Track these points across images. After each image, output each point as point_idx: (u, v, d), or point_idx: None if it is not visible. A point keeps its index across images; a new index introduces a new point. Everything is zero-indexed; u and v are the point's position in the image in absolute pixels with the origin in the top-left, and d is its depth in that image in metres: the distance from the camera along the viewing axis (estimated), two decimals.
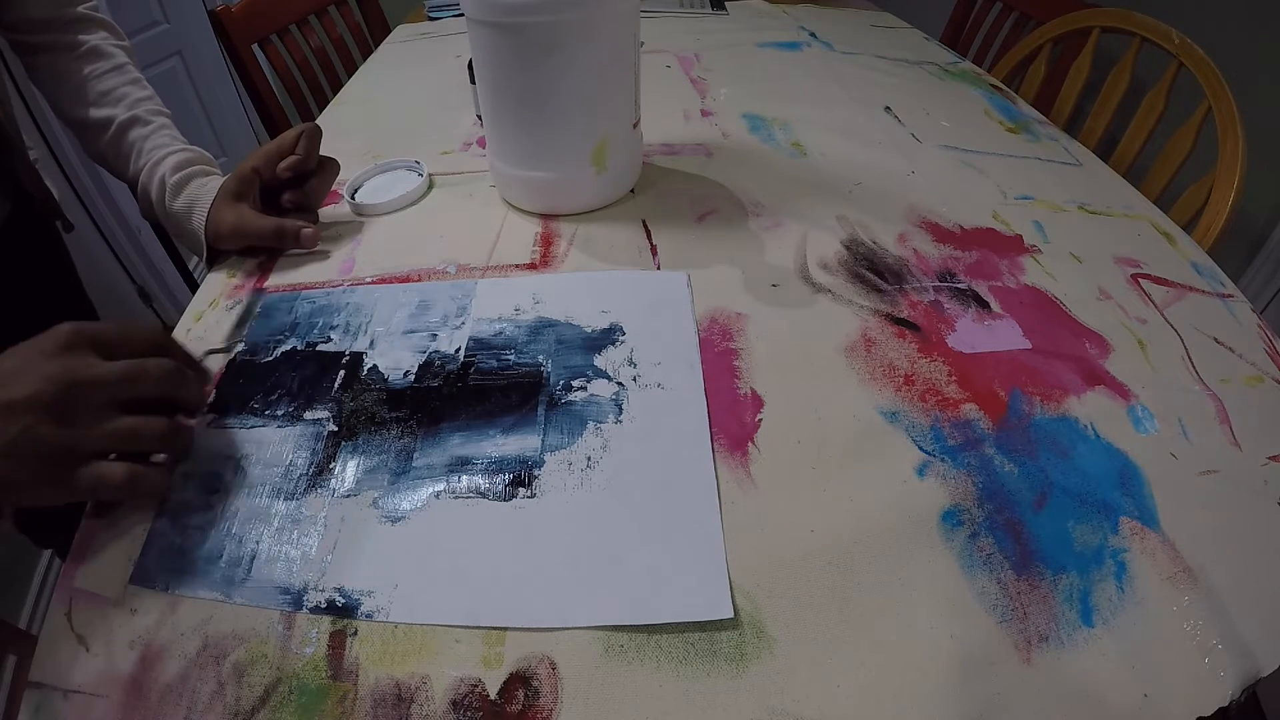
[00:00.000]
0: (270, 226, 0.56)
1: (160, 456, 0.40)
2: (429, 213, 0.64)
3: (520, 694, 0.32)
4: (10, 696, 0.91)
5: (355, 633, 0.34)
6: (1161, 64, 0.83)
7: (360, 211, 0.64)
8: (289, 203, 0.57)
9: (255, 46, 1.10)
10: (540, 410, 0.44)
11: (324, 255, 0.58)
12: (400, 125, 0.80)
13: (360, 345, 0.49)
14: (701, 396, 0.45)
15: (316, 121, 0.83)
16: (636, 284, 0.54)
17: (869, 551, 0.37)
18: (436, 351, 0.48)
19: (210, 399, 0.45)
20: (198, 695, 0.32)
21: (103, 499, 0.39)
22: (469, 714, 0.31)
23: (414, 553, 0.37)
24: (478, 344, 0.49)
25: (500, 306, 0.52)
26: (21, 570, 1.12)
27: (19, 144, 0.62)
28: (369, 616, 0.34)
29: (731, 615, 0.34)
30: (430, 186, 0.67)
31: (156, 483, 0.38)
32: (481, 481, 0.40)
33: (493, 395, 0.45)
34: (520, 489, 0.40)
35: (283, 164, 0.56)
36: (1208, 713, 0.31)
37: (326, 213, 0.64)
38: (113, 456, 0.37)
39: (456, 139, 0.76)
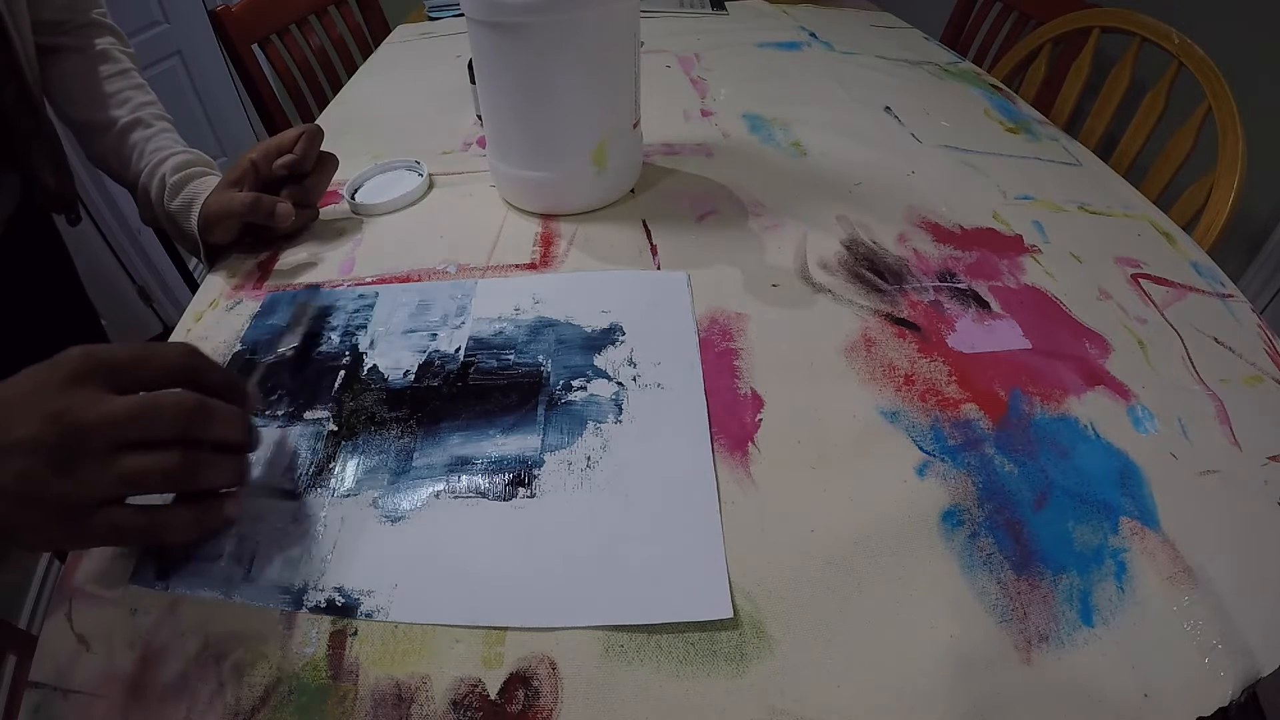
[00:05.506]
0: (248, 198, 0.55)
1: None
2: (429, 213, 0.64)
3: (520, 694, 0.32)
4: (10, 696, 0.91)
5: (355, 633, 0.34)
6: (1161, 64, 0.83)
7: (360, 211, 0.64)
8: (288, 195, 0.57)
9: (255, 46, 1.10)
10: (540, 410, 0.44)
11: (324, 255, 0.58)
12: (400, 125, 0.80)
13: (360, 345, 0.49)
14: (701, 396, 0.45)
15: (317, 121, 0.84)
16: (636, 284, 0.54)
17: (869, 551, 0.37)
18: (436, 351, 0.48)
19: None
20: (198, 695, 0.32)
21: (130, 546, 0.37)
22: (469, 714, 0.31)
23: (414, 552, 0.37)
24: (478, 344, 0.49)
25: (500, 306, 0.52)
26: (22, 570, 1.12)
27: (34, 124, 0.61)
28: (369, 616, 0.34)
29: (731, 615, 0.34)
30: (430, 186, 0.67)
31: (184, 526, 0.34)
32: (481, 481, 0.40)
33: (492, 395, 0.45)
34: (520, 489, 0.40)
35: (279, 160, 0.56)
36: (1208, 713, 0.31)
37: (326, 212, 0.64)
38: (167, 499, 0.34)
39: (456, 139, 0.76)
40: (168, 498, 0.36)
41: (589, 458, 0.41)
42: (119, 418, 0.31)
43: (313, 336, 0.50)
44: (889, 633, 0.33)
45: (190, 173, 0.59)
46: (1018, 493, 0.39)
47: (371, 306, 0.52)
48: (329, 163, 0.60)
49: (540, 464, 0.41)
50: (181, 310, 0.54)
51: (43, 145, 0.61)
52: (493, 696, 0.32)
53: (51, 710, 0.32)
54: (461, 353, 0.48)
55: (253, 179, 0.56)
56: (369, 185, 0.67)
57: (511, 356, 0.48)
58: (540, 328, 0.50)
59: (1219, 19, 1.27)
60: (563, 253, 0.58)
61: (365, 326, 0.50)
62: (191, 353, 0.35)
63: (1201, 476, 0.40)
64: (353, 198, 0.64)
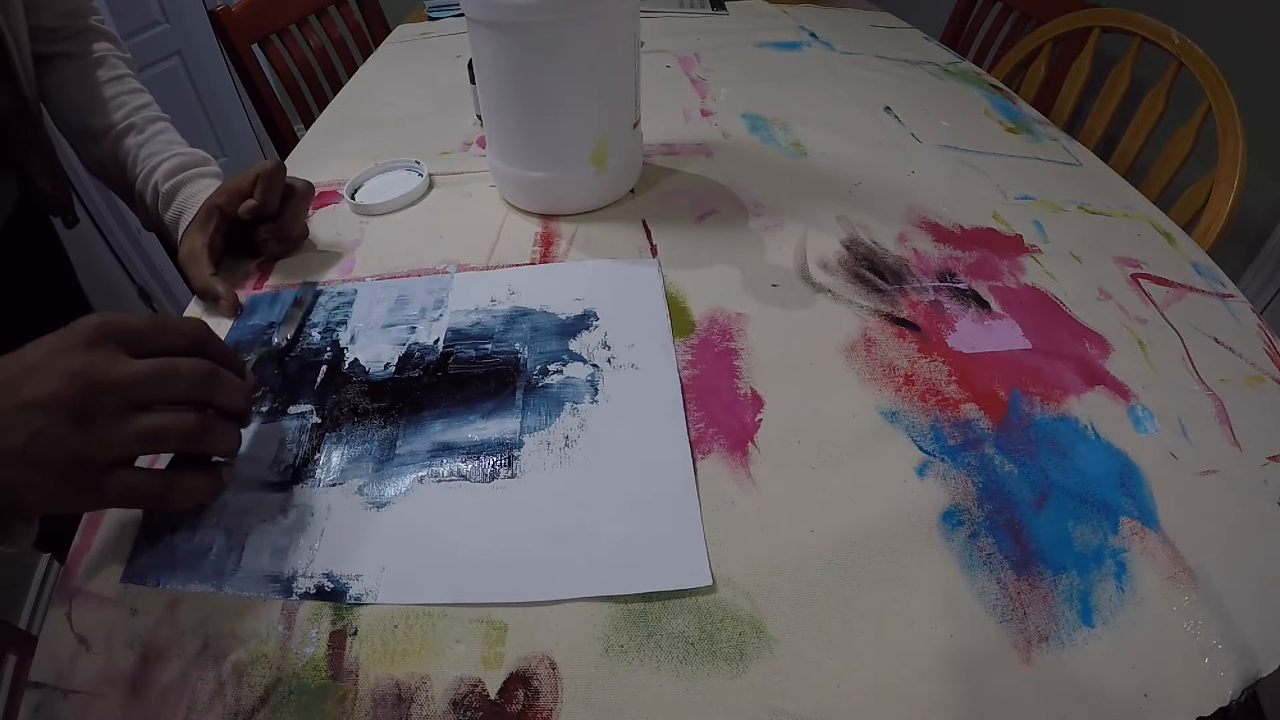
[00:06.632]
0: (199, 285, 0.53)
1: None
2: (429, 213, 0.64)
3: (520, 694, 0.32)
4: (10, 696, 0.91)
5: (355, 633, 0.34)
6: (1161, 64, 0.83)
7: (360, 211, 0.64)
8: (266, 233, 0.56)
9: (255, 46, 1.10)
10: (518, 394, 0.45)
11: (324, 255, 0.58)
12: (400, 125, 0.80)
13: (341, 340, 0.49)
14: (674, 374, 0.46)
15: (316, 121, 0.84)
16: (609, 271, 0.55)
17: (869, 551, 0.37)
18: (416, 344, 0.49)
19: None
20: (198, 695, 0.32)
21: (139, 508, 0.37)
22: (469, 714, 0.31)
23: (399, 536, 0.38)
24: (456, 335, 0.49)
25: (476, 299, 0.53)
26: (22, 570, 1.12)
27: (31, 133, 0.61)
28: (358, 600, 0.35)
29: (710, 583, 0.35)
30: (430, 186, 0.67)
31: (197, 489, 0.36)
32: (463, 465, 0.41)
33: (472, 383, 0.46)
34: (501, 470, 0.41)
35: (242, 207, 0.54)
36: (1208, 713, 0.31)
37: (326, 212, 0.64)
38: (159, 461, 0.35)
39: (456, 139, 0.76)
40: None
41: (567, 437, 0.42)
42: (140, 377, 0.32)
43: (295, 335, 0.50)
44: (889, 633, 0.33)
45: (181, 179, 0.58)
46: (1018, 493, 0.39)
47: (351, 303, 0.53)
48: (301, 193, 0.57)
49: (520, 445, 0.42)
50: (181, 310, 0.54)
51: (39, 153, 0.62)
52: (493, 696, 0.32)
53: (51, 710, 0.32)
54: (440, 344, 0.49)
55: (219, 221, 0.55)
56: (369, 185, 0.67)
57: (489, 346, 0.49)
58: (516, 317, 0.51)
59: (1219, 19, 1.27)
60: (563, 252, 0.58)
61: (345, 323, 0.51)
62: (202, 325, 0.37)
63: (1201, 476, 0.40)
64: (353, 198, 0.64)
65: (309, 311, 0.52)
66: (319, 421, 0.44)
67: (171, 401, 0.34)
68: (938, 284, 0.54)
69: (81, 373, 0.31)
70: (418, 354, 0.48)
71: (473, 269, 0.56)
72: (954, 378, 0.46)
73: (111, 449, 0.32)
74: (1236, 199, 0.71)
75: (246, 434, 0.43)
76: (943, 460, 0.41)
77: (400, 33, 1.15)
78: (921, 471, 0.40)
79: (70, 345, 0.32)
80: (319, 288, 0.55)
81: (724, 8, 1.16)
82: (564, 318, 0.51)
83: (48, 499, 0.32)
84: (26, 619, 1.09)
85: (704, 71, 0.91)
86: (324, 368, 0.47)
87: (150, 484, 0.34)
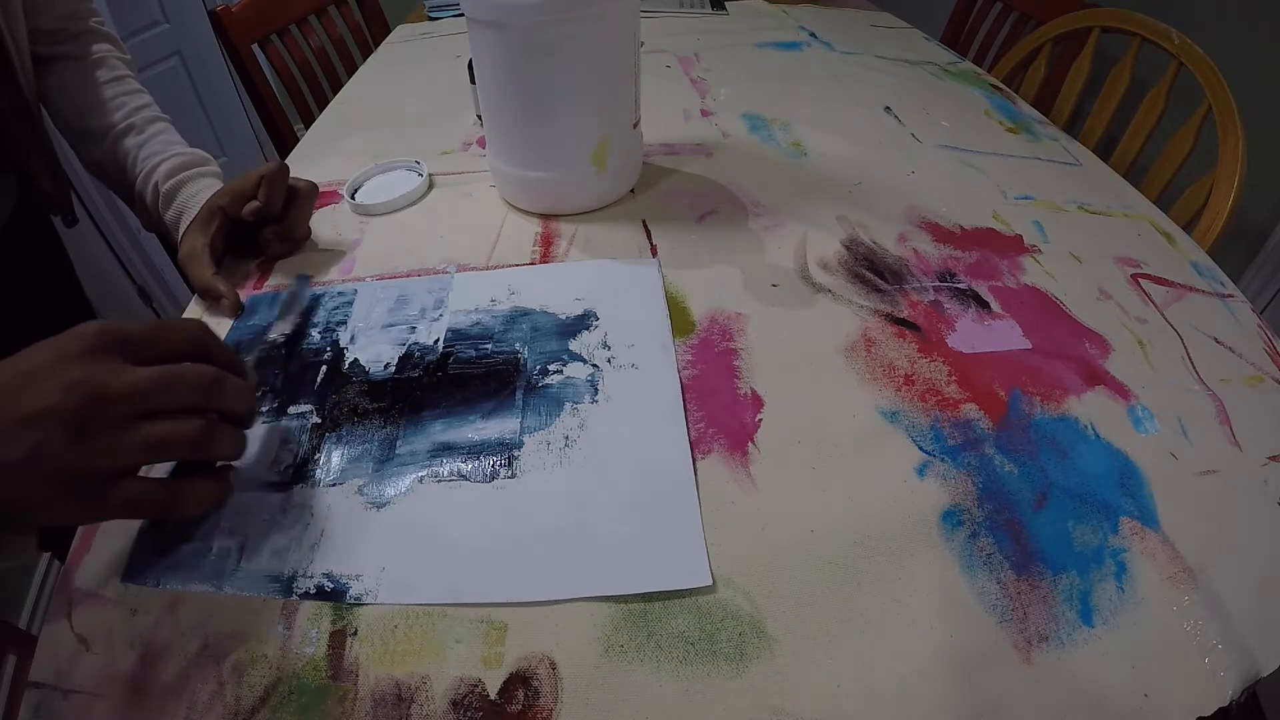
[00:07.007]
0: (200, 284, 0.53)
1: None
2: (429, 213, 0.64)
3: (520, 694, 0.32)
4: (10, 696, 0.91)
5: (355, 632, 0.34)
6: (1161, 64, 0.83)
7: (360, 211, 0.64)
8: (270, 234, 0.56)
9: (255, 46, 1.10)
10: (518, 394, 0.45)
11: (324, 255, 0.58)
12: (400, 125, 0.80)
13: (341, 340, 0.50)
14: (674, 374, 0.46)
15: (315, 122, 0.84)
16: (609, 271, 0.55)
17: (869, 551, 0.37)
18: (416, 344, 0.49)
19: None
20: (198, 695, 0.32)
21: (146, 518, 0.37)
22: (469, 714, 0.31)
23: (399, 536, 0.38)
24: (456, 335, 0.50)
25: (476, 299, 0.53)
26: (22, 570, 1.12)
27: (31, 133, 0.61)
28: (358, 600, 0.35)
29: (710, 583, 0.35)
30: (430, 186, 0.67)
31: (204, 496, 0.36)
32: (463, 465, 0.41)
33: (472, 383, 0.46)
34: (501, 470, 0.41)
35: (246, 209, 0.53)
36: (1208, 713, 0.31)
37: (326, 212, 0.64)
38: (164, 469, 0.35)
39: (456, 139, 0.76)
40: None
41: (567, 437, 0.42)
42: (145, 386, 0.31)
43: (295, 334, 0.50)
44: (889, 633, 0.33)
45: (182, 178, 0.58)
46: (1018, 493, 0.39)
47: (351, 303, 0.53)
48: (305, 193, 0.57)
49: (520, 445, 0.42)
50: (181, 310, 0.54)
51: (39, 153, 0.62)
52: (493, 696, 0.32)
53: (51, 710, 0.32)
54: (440, 344, 0.49)
55: (221, 222, 0.55)
56: (369, 185, 0.67)
57: (489, 346, 0.49)
58: (516, 317, 0.51)
59: (1219, 19, 1.27)
60: (563, 252, 0.58)
61: (345, 322, 0.51)
62: (202, 327, 0.36)
63: (1201, 476, 0.40)
64: (353, 198, 0.64)
65: (308, 311, 0.52)
66: (319, 421, 0.44)
67: (176, 409, 0.33)
68: (938, 284, 0.54)
69: (81, 384, 0.30)
70: (418, 354, 0.48)
71: (473, 269, 0.56)
72: (954, 378, 0.46)
73: (114, 460, 0.31)
74: (1236, 199, 0.71)
75: (249, 435, 0.43)
76: (943, 460, 0.41)
77: (400, 33, 1.15)
78: (921, 471, 0.40)
79: (69, 354, 0.31)
80: (311, 287, 0.55)
81: (724, 8, 1.16)
82: (564, 318, 0.51)
83: (49, 513, 0.31)
84: (26, 619, 1.09)
85: (704, 71, 0.91)
86: (324, 368, 0.47)
87: (156, 494, 0.33)
